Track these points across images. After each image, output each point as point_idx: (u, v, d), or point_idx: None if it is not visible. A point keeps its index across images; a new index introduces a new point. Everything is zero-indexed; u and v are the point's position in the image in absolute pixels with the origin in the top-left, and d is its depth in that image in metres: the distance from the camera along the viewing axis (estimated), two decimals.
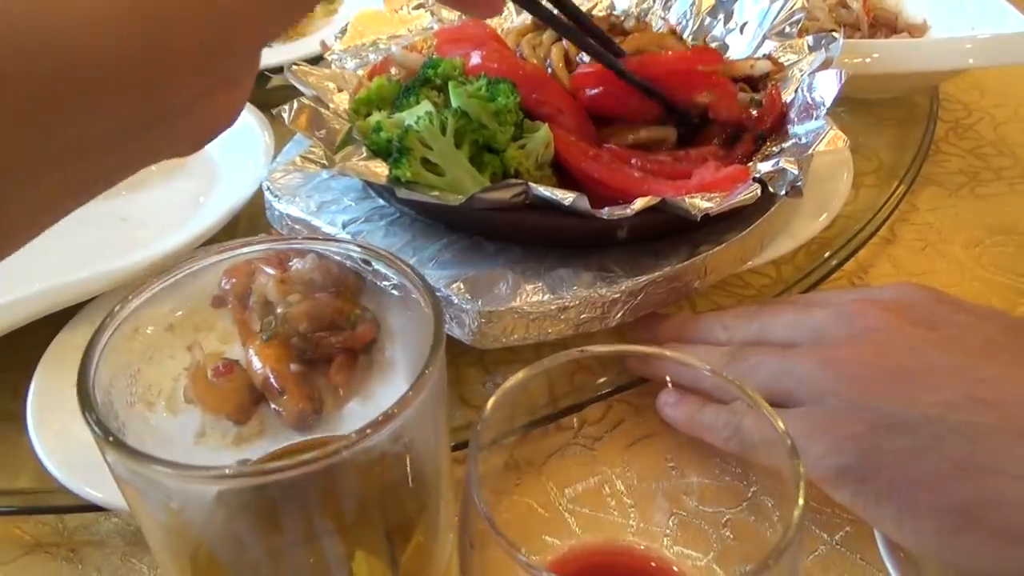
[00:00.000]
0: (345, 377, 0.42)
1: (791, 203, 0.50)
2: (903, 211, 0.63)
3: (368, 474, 0.23)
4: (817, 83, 0.50)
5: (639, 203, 0.43)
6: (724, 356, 0.41)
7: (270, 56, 0.77)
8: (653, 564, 0.30)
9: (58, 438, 0.41)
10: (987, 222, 0.62)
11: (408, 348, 0.37)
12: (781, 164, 0.45)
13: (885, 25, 0.75)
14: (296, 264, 0.45)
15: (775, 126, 0.52)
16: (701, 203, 0.43)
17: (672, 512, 0.35)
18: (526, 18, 0.65)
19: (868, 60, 0.64)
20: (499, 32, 0.60)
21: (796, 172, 0.45)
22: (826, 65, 0.53)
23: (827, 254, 0.56)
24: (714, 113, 0.53)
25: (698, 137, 0.54)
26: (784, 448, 0.23)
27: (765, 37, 0.60)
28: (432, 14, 0.67)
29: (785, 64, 0.57)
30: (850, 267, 0.57)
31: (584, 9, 0.67)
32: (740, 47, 0.61)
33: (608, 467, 0.40)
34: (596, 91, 0.52)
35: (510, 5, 0.69)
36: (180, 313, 0.47)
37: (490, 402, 0.23)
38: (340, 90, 0.56)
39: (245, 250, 0.34)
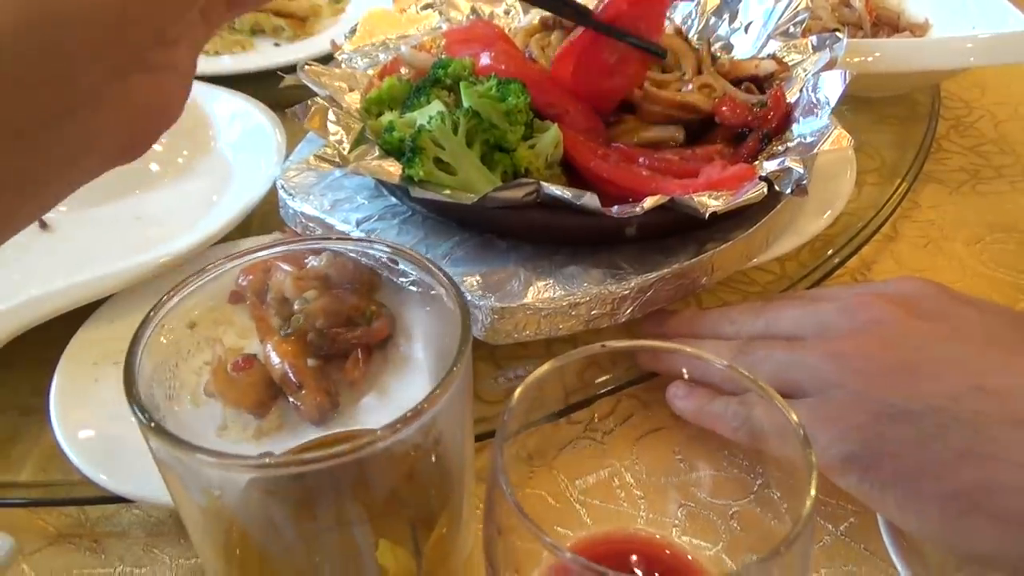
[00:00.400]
0: (361, 372, 0.43)
1: (796, 201, 0.51)
2: (905, 208, 0.63)
3: (397, 466, 0.24)
4: (822, 83, 0.51)
5: (648, 202, 0.43)
6: (732, 350, 0.42)
7: (281, 55, 0.78)
8: (667, 552, 0.31)
9: (81, 431, 0.42)
10: (988, 219, 0.63)
11: (428, 344, 0.38)
12: (787, 163, 0.46)
13: (887, 24, 0.76)
14: (312, 261, 0.46)
15: (780, 126, 0.53)
16: (709, 201, 0.44)
17: (681, 503, 0.36)
18: (533, 18, 0.65)
19: (871, 59, 0.65)
20: (507, 32, 0.61)
21: (802, 171, 0.46)
22: (830, 65, 0.54)
23: (831, 251, 0.57)
24: (720, 117, 0.54)
25: (705, 136, 0.55)
26: (796, 438, 0.24)
27: (770, 37, 0.61)
28: (440, 14, 0.68)
29: (789, 64, 0.58)
30: (853, 264, 0.58)
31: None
32: (745, 47, 0.61)
33: (618, 460, 0.41)
34: (576, 65, 0.52)
35: (517, 5, 0.70)
36: (197, 312, 0.49)
37: (516, 393, 0.24)
38: (351, 89, 0.57)
39: (280, 248, 0.34)
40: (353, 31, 0.65)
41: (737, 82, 0.58)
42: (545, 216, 0.46)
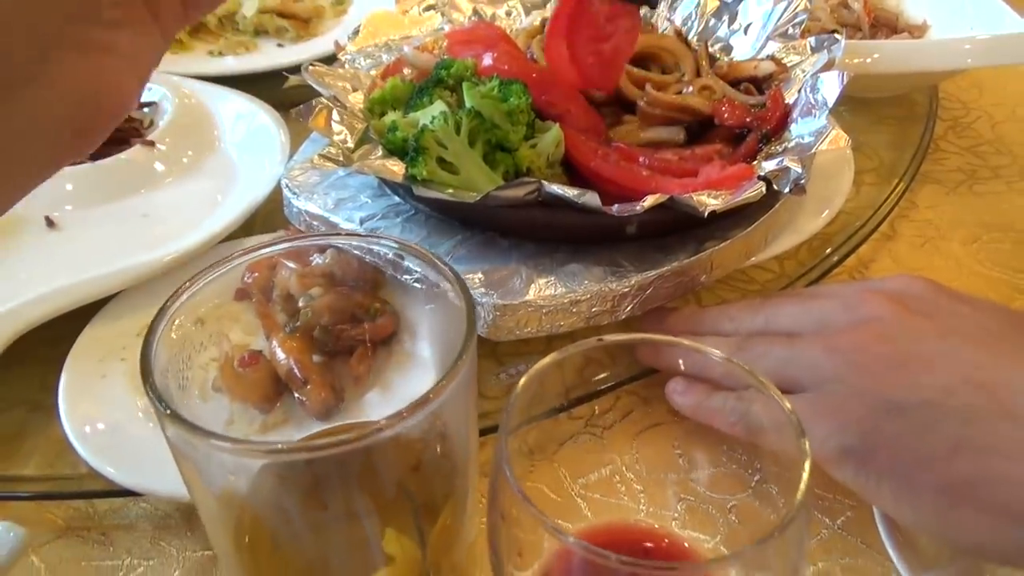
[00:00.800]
0: (366, 368, 0.43)
1: (794, 200, 0.52)
2: (903, 208, 0.64)
3: (403, 456, 0.24)
4: (820, 84, 0.52)
5: (648, 200, 0.44)
6: (731, 346, 0.42)
7: (284, 56, 0.78)
8: (666, 541, 0.31)
9: (89, 426, 0.42)
10: (984, 219, 0.64)
11: (432, 340, 0.38)
12: (785, 163, 0.47)
13: (886, 26, 0.77)
14: (317, 259, 0.47)
15: (779, 126, 0.53)
16: (708, 200, 0.45)
17: (680, 497, 0.37)
18: (535, 20, 0.66)
19: (869, 60, 0.65)
20: (509, 33, 0.62)
21: (800, 170, 0.46)
22: (828, 66, 0.54)
23: (829, 250, 0.58)
24: (719, 119, 0.54)
25: (704, 137, 0.56)
26: (791, 427, 0.25)
27: (768, 38, 0.61)
28: (442, 15, 0.69)
29: (788, 65, 0.58)
30: (851, 263, 0.59)
31: None
32: (744, 48, 0.62)
33: (618, 455, 0.42)
34: (570, 31, 0.51)
35: (519, 7, 0.71)
36: (204, 309, 0.50)
37: (521, 382, 0.25)
38: (355, 90, 0.58)
39: (292, 243, 0.35)
40: (356, 32, 0.66)
41: (736, 83, 0.58)
42: (546, 215, 0.46)
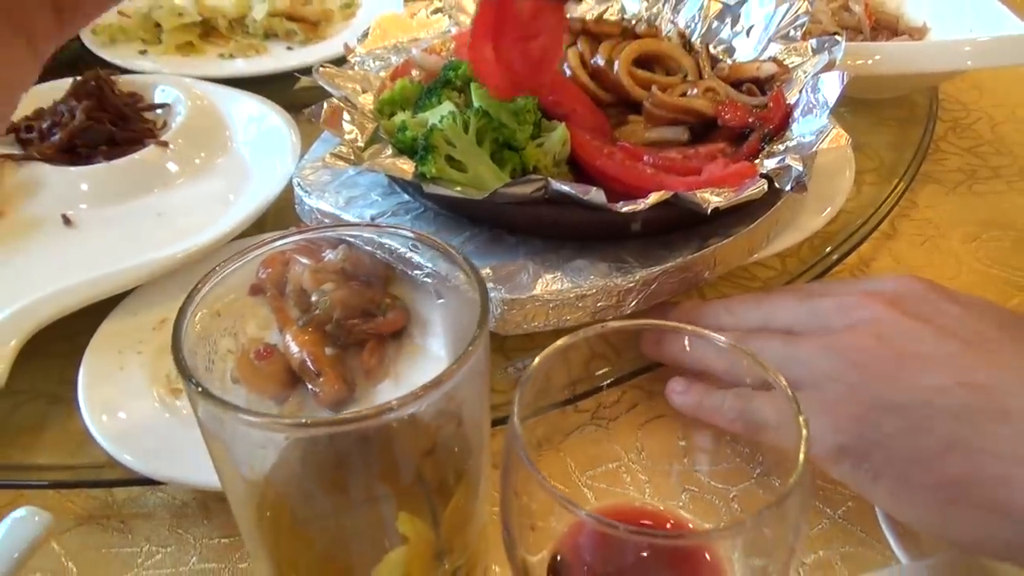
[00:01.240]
0: (377, 361, 0.45)
1: (796, 198, 0.53)
2: (903, 207, 0.65)
3: (419, 438, 0.25)
4: (821, 84, 0.53)
5: (653, 197, 0.45)
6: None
7: (294, 59, 0.80)
8: (671, 523, 0.32)
9: (108, 416, 0.43)
10: (984, 218, 0.65)
11: (442, 332, 0.39)
12: (787, 161, 0.48)
13: (886, 28, 0.78)
14: (329, 255, 0.48)
15: (780, 126, 0.54)
16: (711, 197, 0.46)
17: (684, 488, 0.38)
18: None
19: (870, 62, 0.66)
20: None
21: (801, 168, 0.47)
22: (829, 67, 0.55)
23: (830, 248, 0.58)
24: (722, 120, 0.56)
25: (707, 136, 0.57)
26: (787, 400, 0.26)
27: (770, 40, 0.62)
28: (450, 18, 0.70)
29: (790, 66, 0.60)
30: (852, 260, 0.60)
31: (595, 14, 0.70)
32: (747, 50, 0.63)
33: (623, 446, 0.43)
34: (496, 33, 0.48)
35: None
36: (220, 304, 0.51)
37: (535, 362, 0.26)
38: (364, 91, 0.59)
39: (322, 233, 0.36)
40: (365, 35, 0.67)
41: (739, 84, 0.59)
42: (553, 212, 0.47)
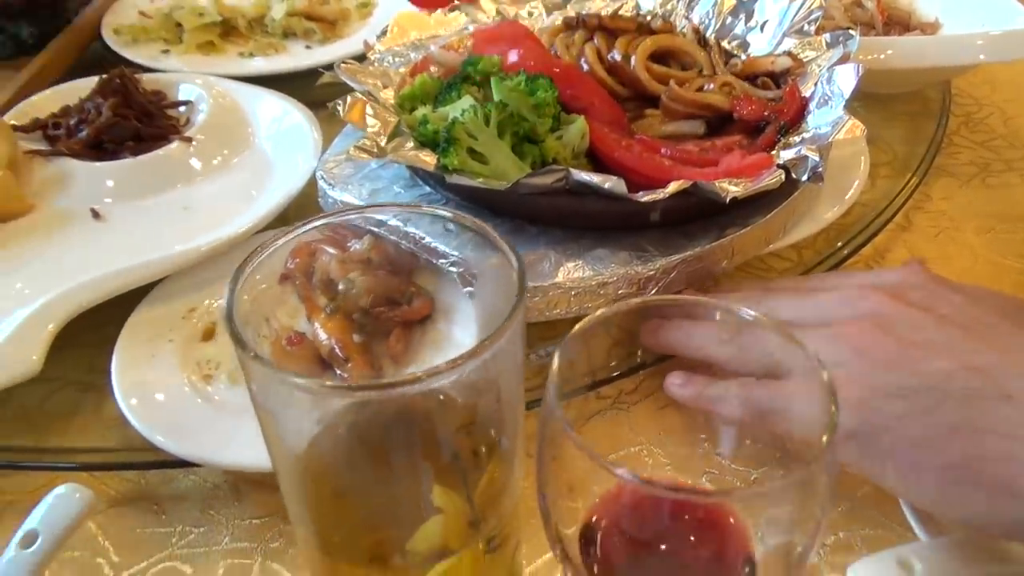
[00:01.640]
0: (403, 347, 0.46)
1: (812, 189, 0.53)
2: (917, 200, 0.66)
3: (456, 411, 0.26)
4: (835, 76, 0.54)
5: (673, 186, 0.46)
6: (731, 330, 0.44)
7: (312, 57, 0.81)
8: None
9: (140, 401, 0.44)
10: (998, 210, 0.65)
11: (462, 323, 0.40)
12: (803, 152, 0.49)
13: (898, 23, 0.79)
14: (354, 245, 0.49)
15: (796, 118, 0.55)
16: (730, 187, 0.47)
17: (705, 471, 0.38)
18: (556, 19, 0.68)
19: (883, 56, 0.67)
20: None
21: (817, 159, 0.48)
22: (843, 60, 0.56)
23: (845, 240, 0.59)
24: (738, 114, 0.56)
25: (724, 129, 0.57)
26: (810, 362, 0.26)
27: (785, 35, 0.63)
28: (467, 15, 0.71)
29: (804, 60, 0.60)
30: (867, 252, 0.60)
31: (610, 10, 0.71)
32: (761, 44, 0.64)
33: (644, 430, 0.44)
34: None
35: (540, 7, 0.73)
36: (246, 296, 0.52)
37: (576, 328, 0.27)
38: (385, 87, 0.60)
39: (358, 215, 0.38)
40: (384, 32, 0.68)
41: (753, 78, 0.60)
42: (574, 202, 0.48)
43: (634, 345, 0.49)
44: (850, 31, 0.59)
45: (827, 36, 0.60)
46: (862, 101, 0.75)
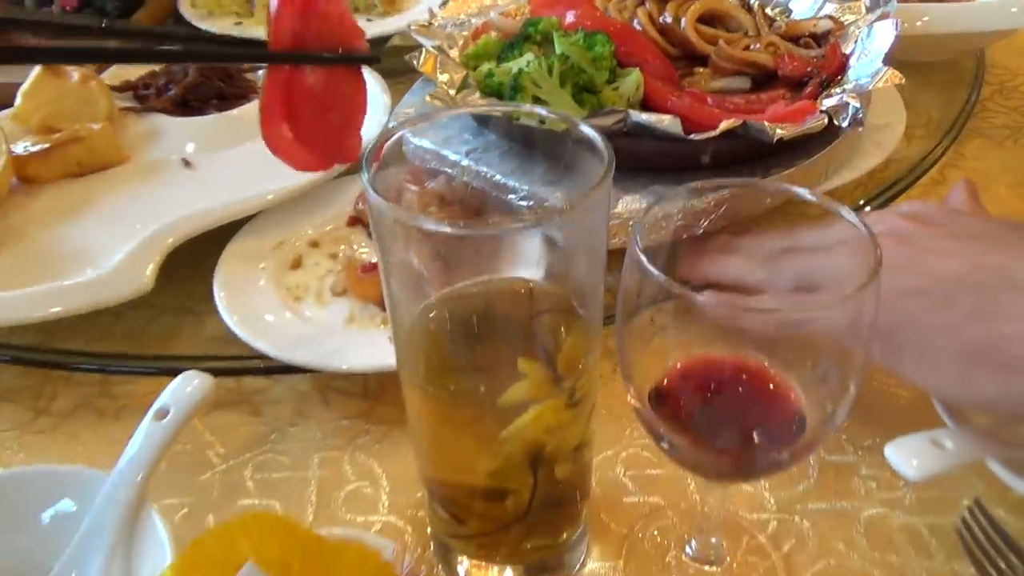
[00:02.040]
0: None
1: (853, 138, 0.57)
2: (951, 158, 0.69)
3: (546, 292, 0.31)
4: (874, 33, 0.57)
5: (723, 125, 0.50)
6: (759, 262, 0.47)
7: (374, 28, 0.86)
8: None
9: (243, 317, 0.50)
10: None
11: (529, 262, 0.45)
12: (845, 99, 0.52)
13: None
14: (431, 183, 0.54)
15: (837, 73, 0.59)
16: (777, 129, 0.51)
17: None
18: None
19: (919, 23, 0.70)
20: None
21: (858, 105, 0.52)
22: (882, 18, 0.60)
23: (881, 189, 0.63)
24: (782, 71, 0.60)
25: (767, 86, 0.61)
26: (854, 222, 0.30)
27: (825, 0, 0.67)
28: None
29: (844, 23, 0.64)
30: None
31: None
32: (803, 8, 0.68)
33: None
34: (290, 116, 0.42)
35: None
36: (317, 233, 0.57)
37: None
38: (450, 48, 0.65)
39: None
40: (446, 2, 0.73)
41: (796, 39, 0.64)
42: (630, 143, 0.52)
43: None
44: None
45: (866, 1, 0.64)
46: (899, 68, 0.78)
